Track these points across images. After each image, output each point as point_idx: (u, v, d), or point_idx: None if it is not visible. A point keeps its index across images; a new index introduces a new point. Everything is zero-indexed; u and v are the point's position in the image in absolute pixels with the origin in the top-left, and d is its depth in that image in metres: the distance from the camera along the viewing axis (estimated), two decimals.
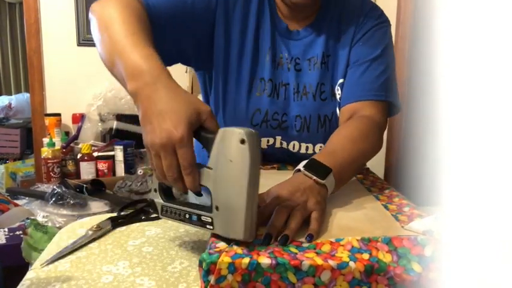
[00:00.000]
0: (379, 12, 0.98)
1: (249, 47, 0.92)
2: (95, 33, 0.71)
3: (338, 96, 0.94)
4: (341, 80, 0.94)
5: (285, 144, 0.97)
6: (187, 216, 0.58)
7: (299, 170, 0.71)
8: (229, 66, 0.93)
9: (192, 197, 0.61)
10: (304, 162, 0.71)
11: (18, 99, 4.08)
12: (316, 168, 0.69)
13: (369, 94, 0.91)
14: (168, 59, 0.76)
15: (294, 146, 0.97)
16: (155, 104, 0.56)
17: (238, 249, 0.51)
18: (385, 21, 0.98)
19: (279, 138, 0.96)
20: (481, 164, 0.42)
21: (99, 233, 0.70)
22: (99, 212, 1.54)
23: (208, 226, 0.55)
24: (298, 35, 0.95)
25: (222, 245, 0.53)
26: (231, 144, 0.52)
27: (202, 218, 0.56)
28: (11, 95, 4.59)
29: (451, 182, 0.58)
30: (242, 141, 0.51)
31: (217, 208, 0.54)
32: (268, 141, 0.96)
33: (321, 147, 0.96)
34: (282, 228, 0.56)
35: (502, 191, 0.41)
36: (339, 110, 0.95)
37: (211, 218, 0.54)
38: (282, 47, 0.94)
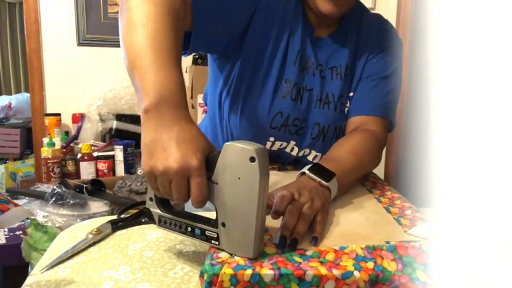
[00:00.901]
0: (394, 33, 1.01)
1: (282, 47, 0.90)
2: (122, 28, 0.64)
3: (346, 109, 0.96)
4: (351, 94, 0.96)
5: (295, 151, 0.96)
6: (189, 229, 0.57)
7: (303, 173, 0.72)
8: (260, 62, 0.90)
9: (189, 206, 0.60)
10: (308, 166, 0.73)
11: (18, 99, 4.07)
12: (321, 171, 0.71)
13: (377, 110, 0.94)
14: (195, 47, 0.78)
15: (304, 152, 0.96)
16: (171, 132, 0.54)
17: (241, 260, 0.51)
18: (400, 43, 1.00)
19: (292, 143, 0.95)
20: (478, 164, 0.42)
21: (99, 236, 0.70)
22: (99, 212, 1.55)
23: (213, 241, 0.54)
24: (322, 42, 0.95)
25: (223, 255, 0.52)
26: (240, 161, 0.50)
27: (207, 232, 0.55)
28: (11, 95, 4.58)
29: (448, 182, 0.57)
30: (252, 159, 0.49)
31: (223, 224, 0.53)
32: (281, 144, 0.95)
33: None
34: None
35: (497, 189, 0.41)
36: (346, 120, 0.96)
37: (217, 234, 0.54)
38: (310, 52, 0.94)
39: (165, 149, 0.54)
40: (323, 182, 0.69)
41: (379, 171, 2.75)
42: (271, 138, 0.94)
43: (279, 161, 0.98)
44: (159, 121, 0.55)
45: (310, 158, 0.97)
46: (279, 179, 0.90)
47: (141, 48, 0.60)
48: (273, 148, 0.96)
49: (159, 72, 0.58)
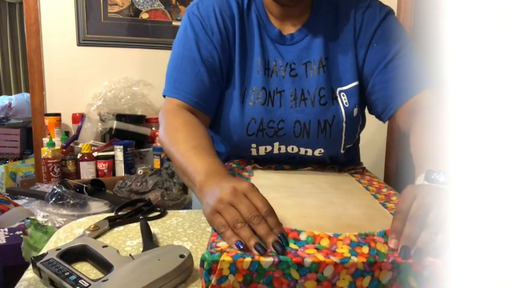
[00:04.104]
0: (378, 4, 0.94)
1: (238, 58, 0.92)
2: (165, 147, 0.83)
3: (343, 101, 0.92)
4: (350, 85, 0.91)
5: (283, 149, 0.96)
6: (66, 274, 0.54)
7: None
8: (227, 79, 0.94)
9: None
10: (422, 176, 0.64)
11: (18, 99, 4.08)
12: (440, 177, 0.62)
13: (417, 86, 0.86)
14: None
15: (292, 149, 0.96)
16: (221, 183, 0.63)
17: None
18: (389, 12, 0.93)
19: (276, 144, 0.95)
20: (483, 164, 0.42)
21: (96, 233, 0.70)
22: (99, 212, 1.55)
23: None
24: (293, 39, 0.93)
25: (223, 244, 0.53)
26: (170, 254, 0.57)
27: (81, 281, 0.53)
28: (11, 95, 4.59)
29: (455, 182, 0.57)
30: (181, 256, 0.56)
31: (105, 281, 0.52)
32: (266, 148, 0.96)
33: (320, 151, 0.95)
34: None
35: (504, 189, 0.41)
36: (390, 114, 0.90)
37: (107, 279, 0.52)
38: (275, 54, 0.93)
39: (214, 191, 0.62)
40: (444, 187, 0.59)
41: (379, 171, 2.75)
42: (253, 145, 0.95)
43: (272, 163, 0.98)
44: (209, 185, 0.65)
45: (301, 153, 0.96)
46: (278, 178, 0.90)
47: (184, 155, 0.77)
48: (260, 153, 0.96)
49: (198, 162, 0.73)
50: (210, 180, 0.66)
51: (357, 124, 0.95)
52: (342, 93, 0.92)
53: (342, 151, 0.96)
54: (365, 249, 0.51)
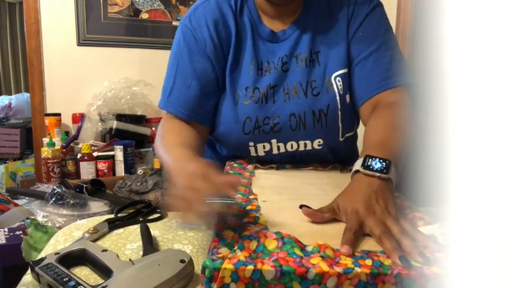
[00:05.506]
0: None
1: (231, 60, 0.93)
2: (157, 154, 0.89)
3: (338, 86, 0.92)
4: (342, 71, 0.92)
5: (282, 147, 0.96)
6: (65, 279, 0.54)
7: (357, 171, 0.69)
8: (220, 86, 0.95)
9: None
10: (359, 162, 0.69)
11: (18, 99, 4.07)
12: (375, 163, 0.67)
13: (386, 84, 0.90)
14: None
15: (292, 145, 0.96)
16: (186, 171, 0.64)
17: (241, 256, 0.50)
18: (378, 5, 0.95)
19: (274, 141, 0.95)
20: (486, 165, 0.42)
21: (95, 236, 0.69)
22: (99, 212, 1.54)
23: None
24: (284, 34, 0.95)
25: (224, 250, 0.52)
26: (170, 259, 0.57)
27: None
28: (11, 95, 4.58)
29: (457, 183, 0.57)
30: (182, 261, 0.56)
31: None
32: (264, 146, 0.96)
33: (319, 142, 0.96)
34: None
35: (506, 190, 0.40)
36: (358, 105, 0.93)
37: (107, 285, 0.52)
38: (267, 54, 0.94)
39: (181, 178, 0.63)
40: (382, 175, 0.65)
41: None
42: (251, 143, 0.95)
43: (272, 163, 0.98)
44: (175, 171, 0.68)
45: (301, 148, 0.96)
46: (279, 178, 0.89)
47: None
48: (259, 153, 0.96)
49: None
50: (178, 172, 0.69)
51: (351, 110, 0.96)
52: (338, 78, 0.93)
53: (341, 139, 0.97)
54: (368, 262, 0.50)
